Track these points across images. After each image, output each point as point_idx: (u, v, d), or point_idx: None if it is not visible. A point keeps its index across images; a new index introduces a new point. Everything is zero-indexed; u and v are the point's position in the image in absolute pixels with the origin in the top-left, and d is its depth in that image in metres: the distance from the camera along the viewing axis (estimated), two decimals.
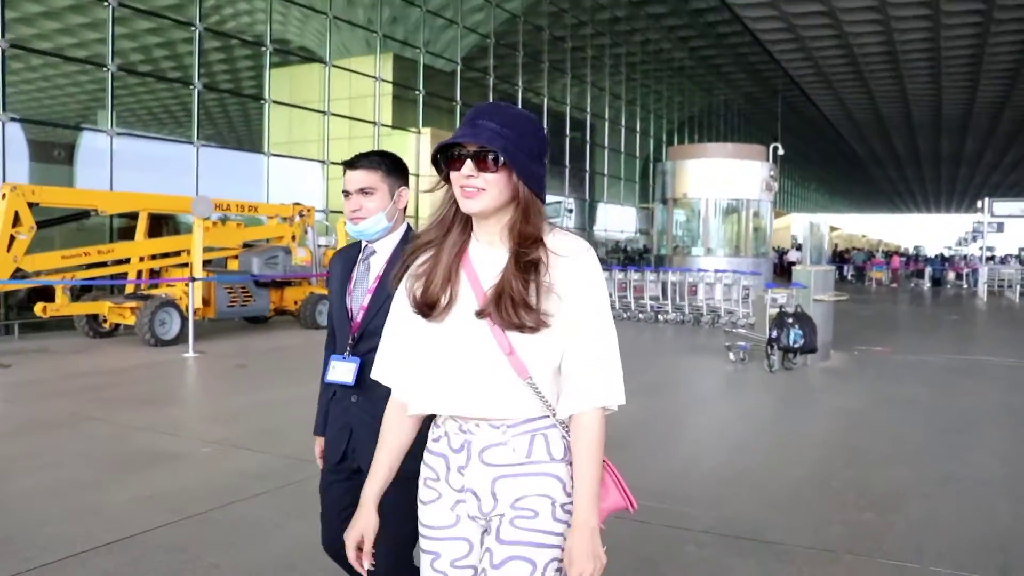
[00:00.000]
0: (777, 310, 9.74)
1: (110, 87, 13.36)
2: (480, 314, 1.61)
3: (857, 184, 78.14)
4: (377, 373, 1.79)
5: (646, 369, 9.63)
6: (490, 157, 1.57)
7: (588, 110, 29.51)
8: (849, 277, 33.67)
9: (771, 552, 3.83)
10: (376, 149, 2.49)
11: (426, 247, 1.69)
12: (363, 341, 2.35)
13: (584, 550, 1.57)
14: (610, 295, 15.33)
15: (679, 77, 37.37)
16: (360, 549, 1.76)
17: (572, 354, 1.62)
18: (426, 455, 1.74)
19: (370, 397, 2.26)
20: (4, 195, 9.89)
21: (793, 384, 8.81)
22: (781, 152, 19.99)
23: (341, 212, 17.40)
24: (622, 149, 32.89)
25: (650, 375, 9.24)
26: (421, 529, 1.76)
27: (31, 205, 10.09)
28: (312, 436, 2.58)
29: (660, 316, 15.16)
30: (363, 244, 2.46)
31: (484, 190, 1.58)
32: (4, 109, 11.86)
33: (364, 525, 1.75)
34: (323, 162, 17.94)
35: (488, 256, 1.65)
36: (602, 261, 23.39)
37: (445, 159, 1.62)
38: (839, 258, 36.26)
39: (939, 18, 26.76)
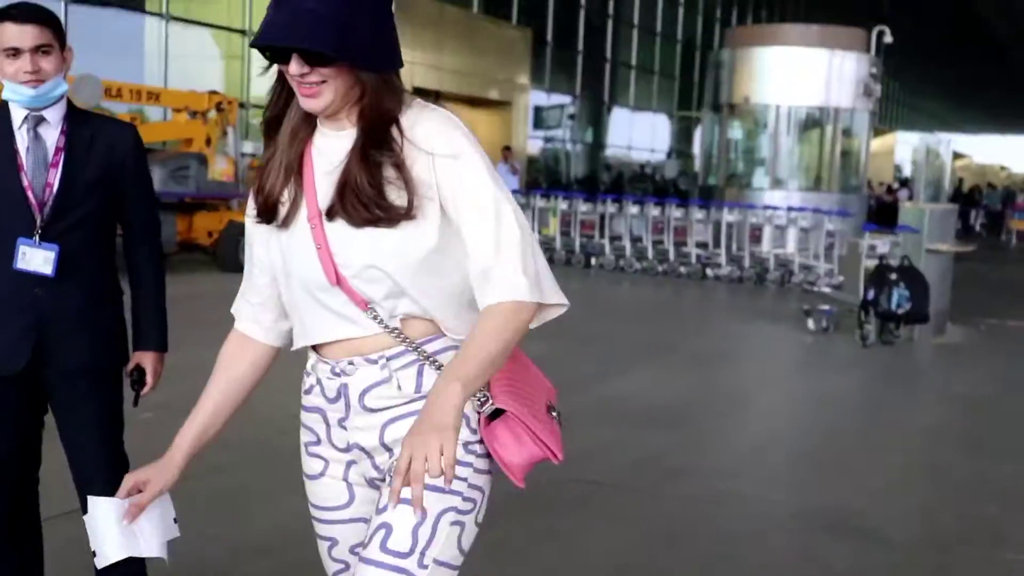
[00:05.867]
0: (876, 262, 10.65)
1: None
2: (327, 214, 1.84)
3: (1000, 90, 78.65)
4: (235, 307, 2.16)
5: (693, 337, 10.70)
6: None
7: None
8: (978, 227, 34.51)
9: (871, 540, 4.78)
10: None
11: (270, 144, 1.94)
12: (54, 224, 2.89)
13: (429, 419, 1.73)
14: (640, 240, 16.39)
15: None
16: (135, 492, 2.04)
17: (469, 252, 1.84)
18: (302, 414, 2.02)
19: (63, 289, 2.91)
20: None
21: (895, 362, 9.79)
22: (889, 40, 20.63)
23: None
24: (657, 29, 33.46)
25: (699, 344, 10.26)
26: (312, 510, 2.06)
27: None
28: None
29: (709, 270, 16.10)
30: (22, 113, 2.91)
31: (324, 82, 1.78)
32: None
33: (158, 473, 2.05)
34: (243, 32, 18.56)
35: (334, 145, 1.88)
36: (619, 191, 24.06)
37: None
38: (965, 199, 37.02)
39: None
